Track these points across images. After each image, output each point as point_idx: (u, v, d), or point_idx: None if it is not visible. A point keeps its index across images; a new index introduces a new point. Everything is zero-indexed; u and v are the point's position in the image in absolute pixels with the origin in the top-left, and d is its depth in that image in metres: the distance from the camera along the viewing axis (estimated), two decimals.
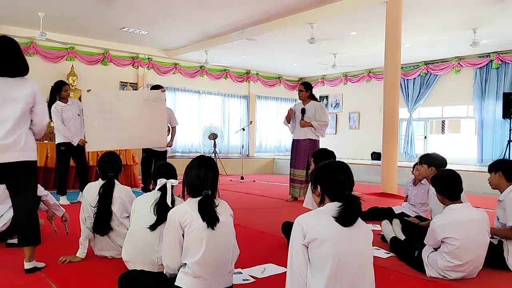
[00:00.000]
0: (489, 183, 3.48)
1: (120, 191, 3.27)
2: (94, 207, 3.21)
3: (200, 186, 2.33)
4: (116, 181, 3.32)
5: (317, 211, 2.02)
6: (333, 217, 1.93)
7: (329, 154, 3.71)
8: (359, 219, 2.00)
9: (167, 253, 2.33)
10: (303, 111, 6.56)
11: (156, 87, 6.56)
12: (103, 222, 3.19)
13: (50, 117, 5.98)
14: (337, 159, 3.63)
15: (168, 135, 6.53)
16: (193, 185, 2.36)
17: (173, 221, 2.28)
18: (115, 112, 5.73)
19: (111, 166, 3.33)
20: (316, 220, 1.95)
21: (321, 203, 2.07)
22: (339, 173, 2.04)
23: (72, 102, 6.10)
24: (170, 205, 2.66)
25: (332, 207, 1.98)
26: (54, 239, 3.83)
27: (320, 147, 6.56)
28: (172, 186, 2.72)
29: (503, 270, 3.20)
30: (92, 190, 3.27)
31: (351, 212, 1.95)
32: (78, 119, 6.10)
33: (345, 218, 1.93)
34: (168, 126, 6.58)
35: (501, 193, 3.33)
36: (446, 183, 3.03)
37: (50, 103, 5.92)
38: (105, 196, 3.21)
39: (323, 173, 2.08)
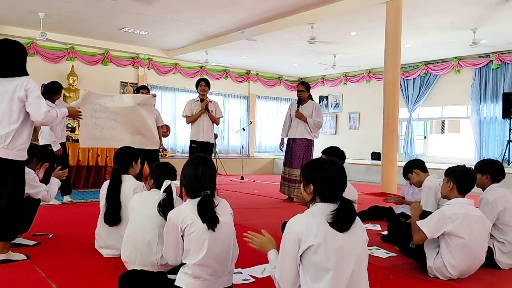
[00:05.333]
0: None
1: (137, 187, 3.29)
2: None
3: (198, 186, 2.30)
4: (127, 175, 3.35)
5: (308, 214, 1.95)
6: (329, 223, 1.88)
7: (340, 153, 3.70)
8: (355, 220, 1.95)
9: (169, 251, 2.33)
10: (299, 101, 6.58)
11: (142, 87, 6.64)
12: (111, 213, 3.21)
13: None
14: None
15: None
16: (190, 185, 2.32)
17: (172, 223, 2.27)
18: (108, 112, 5.88)
19: (116, 159, 3.41)
20: (309, 225, 1.89)
21: (312, 202, 2.01)
22: (335, 173, 1.97)
23: (58, 103, 6.13)
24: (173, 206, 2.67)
25: (323, 208, 1.93)
26: (54, 241, 3.83)
27: (318, 147, 6.60)
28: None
29: (492, 268, 3.24)
30: (106, 186, 3.35)
31: (345, 218, 1.90)
32: (63, 122, 6.17)
33: (340, 224, 1.88)
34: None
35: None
36: (468, 176, 3.05)
37: None
38: (112, 188, 3.26)
39: (318, 171, 1.99)
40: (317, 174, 1.98)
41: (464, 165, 3.14)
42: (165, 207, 2.65)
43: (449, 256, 2.90)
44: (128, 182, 3.32)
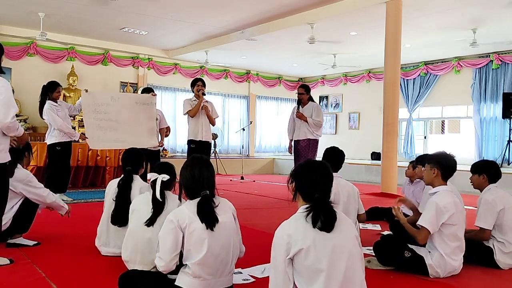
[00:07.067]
0: (471, 183, 3.54)
1: (143, 187, 3.32)
2: (114, 200, 3.27)
3: (196, 187, 2.31)
4: (137, 176, 3.40)
5: (294, 218, 1.97)
6: (313, 224, 1.89)
7: (339, 153, 3.72)
8: (339, 217, 1.96)
9: (164, 253, 2.28)
10: (298, 102, 6.67)
11: (146, 90, 6.65)
12: (120, 214, 3.21)
13: (41, 116, 6.03)
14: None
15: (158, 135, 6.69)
16: (189, 186, 2.34)
17: (171, 223, 2.26)
18: (110, 113, 5.95)
19: (128, 161, 3.43)
20: (297, 229, 1.91)
21: (294, 198, 2.07)
22: (315, 174, 1.99)
23: (61, 103, 6.18)
24: (160, 199, 2.68)
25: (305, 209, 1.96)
26: (54, 241, 3.84)
27: (319, 147, 6.63)
28: (163, 181, 2.72)
29: (491, 268, 3.27)
30: (113, 186, 3.37)
31: (325, 217, 1.89)
32: (68, 119, 6.21)
33: (322, 224, 1.89)
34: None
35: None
36: (451, 161, 3.12)
37: (42, 103, 5.98)
38: (123, 188, 3.27)
39: (300, 170, 2.05)
40: (299, 174, 2.04)
41: (444, 151, 3.20)
42: (152, 200, 2.73)
43: (445, 246, 2.97)
44: (137, 182, 3.36)
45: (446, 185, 3.12)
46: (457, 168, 3.17)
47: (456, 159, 3.16)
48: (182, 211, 2.28)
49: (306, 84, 7.35)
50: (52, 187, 6.00)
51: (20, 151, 3.71)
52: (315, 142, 6.69)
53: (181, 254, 2.30)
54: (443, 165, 3.10)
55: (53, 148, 6.03)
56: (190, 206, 2.29)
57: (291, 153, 6.96)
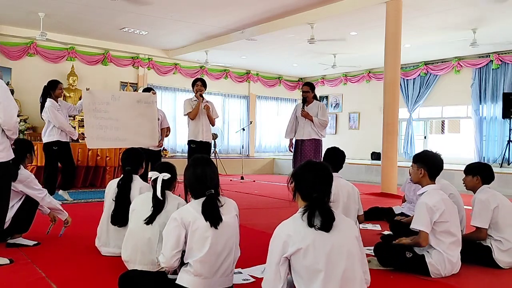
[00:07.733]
0: (463, 184, 3.56)
1: (142, 187, 3.33)
2: (114, 200, 3.28)
3: (200, 186, 2.33)
4: (137, 176, 3.40)
5: (294, 218, 1.99)
6: (308, 224, 1.91)
7: (339, 153, 3.72)
8: (338, 217, 1.97)
9: (166, 250, 2.30)
10: (304, 100, 6.51)
11: (147, 90, 6.66)
12: (120, 214, 3.21)
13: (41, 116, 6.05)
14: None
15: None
16: (192, 186, 2.36)
17: (174, 220, 2.28)
18: (110, 112, 5.94)
19: (128, 161, 3.43)
20: (296, 228, 1.92)
21: (293, 198, 2.08)
22: (314, 175, 2.01)
23: (61, 103, 6.20)
24: (160, 198, 2.68)
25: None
26: (54, 241, 3.83)
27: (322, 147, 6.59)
28: (164, 180, 2.72)
29: (491, 267, 3.28)
30: (113, 186, 3.37)
31: (318, 217, 1.91)
32: (68, 119, 6.22)
33: (318, 224, 1.90)
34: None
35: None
36: (438, 161, 3.16)
37: (43, 104, 5.99)
38: (123, 188, 3.28)
39: (300, 170, 2.07)
40: (298, 174, 2.06)
41: (431, 150, 3.27)
42: (153, 198, 2.73)
43: (440, 243, 2.99)
44: (136, 182, 3.36)
45: (434, 184, 3.15)
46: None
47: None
48: (187, 210, 2.31)
49: (311, 82, 7.18)
50: (50, 187, 6.03)
51: (22, 152, 3.72)
52: (320, 143, 6.53)
53: (183, 253, 2.31)
54: (429, 165, 3.14)
55: (49, 147, 6.00)
56: (194, 205, 2.31)
57: (291, 151, 6.85)
